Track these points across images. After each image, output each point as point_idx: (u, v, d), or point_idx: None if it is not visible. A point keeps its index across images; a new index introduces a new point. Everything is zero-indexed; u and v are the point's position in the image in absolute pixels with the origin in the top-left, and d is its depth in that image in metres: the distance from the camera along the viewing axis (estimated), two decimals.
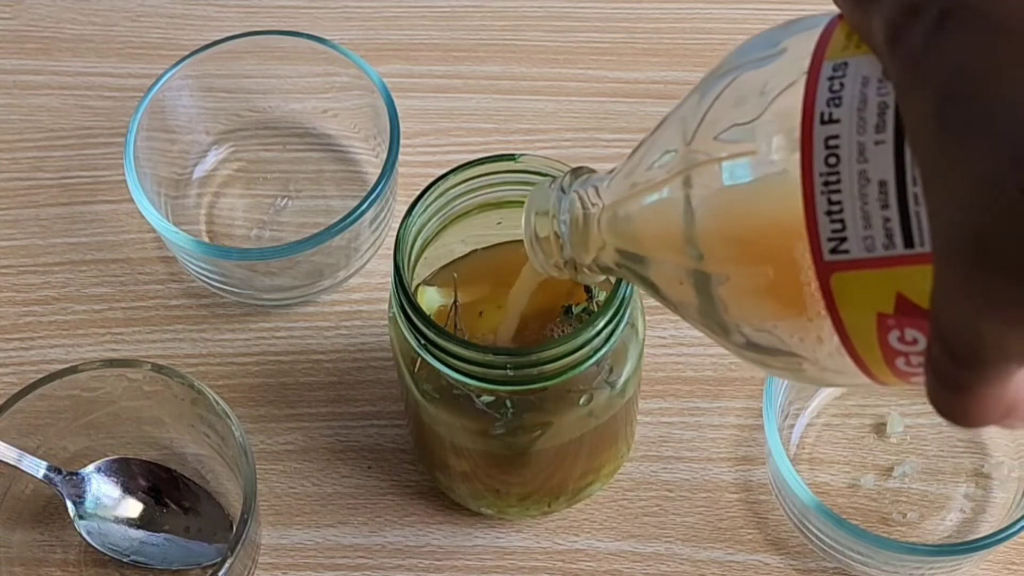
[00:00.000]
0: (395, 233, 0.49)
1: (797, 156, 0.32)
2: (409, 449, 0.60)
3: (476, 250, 0.54)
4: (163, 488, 0.58)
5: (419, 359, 0.49)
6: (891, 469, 0.59)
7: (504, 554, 0.58)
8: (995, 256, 0.26)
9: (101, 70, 0.72)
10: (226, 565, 0.51)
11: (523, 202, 0.45)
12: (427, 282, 0.54)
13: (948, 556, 0.52)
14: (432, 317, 0.47)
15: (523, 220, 0.45)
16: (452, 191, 0.50)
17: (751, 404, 0.61)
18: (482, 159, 0.50)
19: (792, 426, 0.59)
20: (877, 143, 0.30)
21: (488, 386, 0.48)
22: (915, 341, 0.31)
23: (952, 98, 0.27)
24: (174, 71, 0.64)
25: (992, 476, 0.58)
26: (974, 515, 0.58)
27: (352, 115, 0.67)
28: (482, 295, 0.53)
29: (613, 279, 0.47)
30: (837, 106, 0.31)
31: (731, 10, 0.73)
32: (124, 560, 0.56)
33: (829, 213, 0.31)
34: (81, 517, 0.56)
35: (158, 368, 0.56)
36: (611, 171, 0.41)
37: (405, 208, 0.49)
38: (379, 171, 0.61)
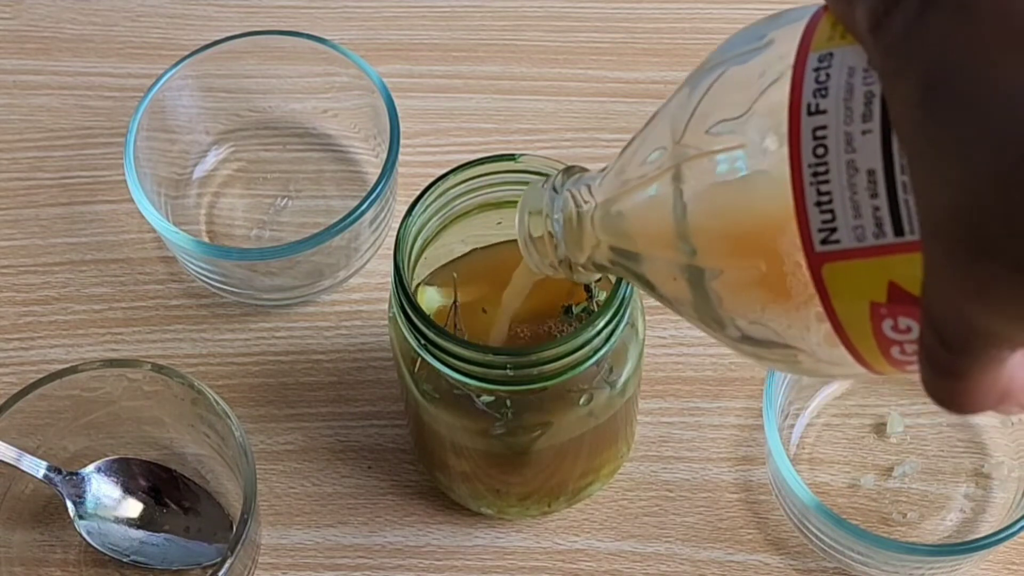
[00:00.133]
0: (395, 233, 0.49)
1: (785, 148, 0.32)
2: (409, 449, 0.60)
3: (476, 249, 0.54)
4: (163, 488, 0.58)
5: (419, 359, 0.49)
6: (891, 469, 0.59)
7: (504, 554, 0.58)
8: (981, 239, 0.27)
9: (101, 70, 0.72)
10: (226, 565, 0.51)
11: None
12: (427, 282, 0.54)
13: (948, 556, 0.52)
14: (432, 317, 0.47)
15: (516, 220, 0.45)
16: (452, 191, 0.50)
17: (751, 404, 0.61)
18: (482, 159, 0.50)
19: (792, 426, 0.60)
20: (864, 132, 0.30)
21: (488, 386, 0.48)
22: (909, 329, 0.31)
23: (935, 84, 0.27)
24: (174, 71, 0.64)
25: (992, 476, 0.58)
26: (974, 515, 0.58)
27: (352, 115, 0.67)
28: (482, 295, 0.53)
29: (613, 278, 0.47)
30: (824, 97, 0.31)
31: (731, 10, 0.73)
32: (124, 560, 0.56)
33: (819, 204, 0.31)
34: (81, 517, 0.56)
35: (158, 368, 0.56)
36: (603, 169, 0.42)
37: (405, 208, 0.49)
38: (379, 171, 0.61)
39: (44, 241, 0.67)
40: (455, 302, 0.53)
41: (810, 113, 0.31)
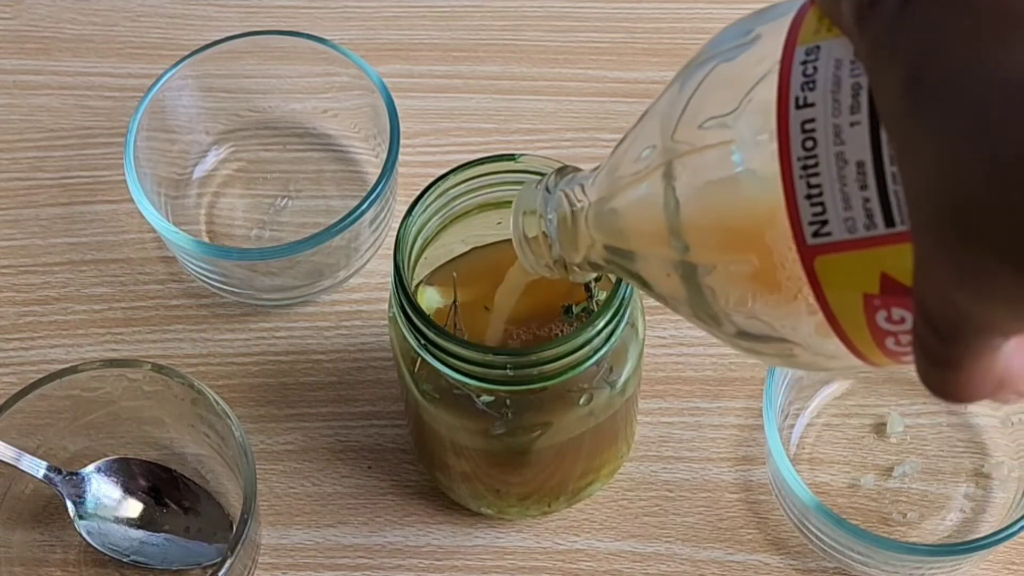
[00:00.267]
0: (395, 233, 0.49)
1: (775, 143, 0.32)
2: (409, 449, 0.60)
3: (475, 249, 0.54)
4: (163, 488, 0.58)
5: (419, 359, 0.49)
6: (891, 469, 0.59)
7: (504, 554, 0.58)
8: (968, 227, 0.27)
9: (101, 70, 0.72)
10: (226, 565, 0.51)
11: None
12: (427, 282, 0.54)
13: (948, 556, 0.52)
14: (432, 317, 0.47)
15: (511, 221, 0.45)
16: (452, 191, 0.50)
17: (751, 404, 0.61)
18: (482, 159, 0.50)
19: (792, 426, 0.60)
20: (852, 124, 0.30)
21: (488, 386, 0.48)
22: (902, 320, 0.31)
23: (920, 75, 0.27)
24: (174, 71, 0.64)
25: (992, 476, 0.58)
26: (974, 515, 0.58)
27: (352, 115, 0.67)
28: (482, 294, 0.53)
29: (613, 278, 0.47)
30: (811, 90, 0.31)
31: (731, 10, 0.72)
32: (124, 560, 0.56)
33: (809, 197, 0.31)
34: (81, 517, 0.56)
35: (158, 368, 0.56)
36: (596, 168, 0.42)
37: (405, 208, 0.49)
38: (379, 171, 0.61)
39: (44, 241, 0.67)
40: (455, 302, 0.53)
41: (798, 106, 0.32)
